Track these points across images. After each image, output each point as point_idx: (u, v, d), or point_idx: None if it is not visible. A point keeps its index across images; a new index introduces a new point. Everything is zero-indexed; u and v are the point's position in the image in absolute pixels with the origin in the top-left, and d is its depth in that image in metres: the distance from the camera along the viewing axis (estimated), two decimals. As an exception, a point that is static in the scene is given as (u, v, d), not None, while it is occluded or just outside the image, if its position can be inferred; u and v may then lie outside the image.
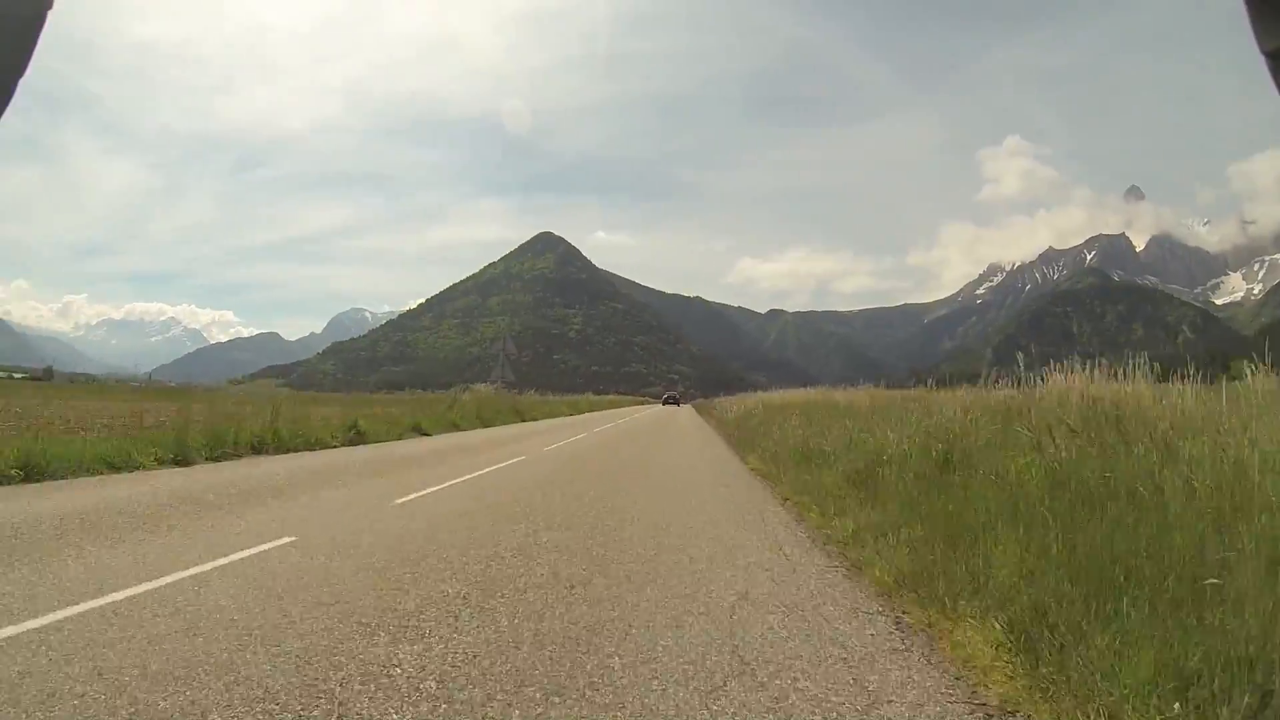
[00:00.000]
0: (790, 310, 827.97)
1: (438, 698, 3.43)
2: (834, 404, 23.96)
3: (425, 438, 22.97)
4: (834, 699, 3.55)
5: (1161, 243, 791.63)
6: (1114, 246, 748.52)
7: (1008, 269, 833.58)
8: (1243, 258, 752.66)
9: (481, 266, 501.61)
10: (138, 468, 12.10)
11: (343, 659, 3.86)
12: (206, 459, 13.65)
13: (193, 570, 5.56)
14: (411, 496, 9.60)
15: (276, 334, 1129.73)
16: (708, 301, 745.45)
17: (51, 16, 1.02)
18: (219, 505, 8.63)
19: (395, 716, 3.23)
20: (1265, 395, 6.76)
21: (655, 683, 3.69)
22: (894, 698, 3.61)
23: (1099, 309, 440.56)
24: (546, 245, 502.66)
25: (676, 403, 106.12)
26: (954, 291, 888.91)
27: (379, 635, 4.24)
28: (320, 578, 5.51)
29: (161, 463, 12.69)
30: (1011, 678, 3.79)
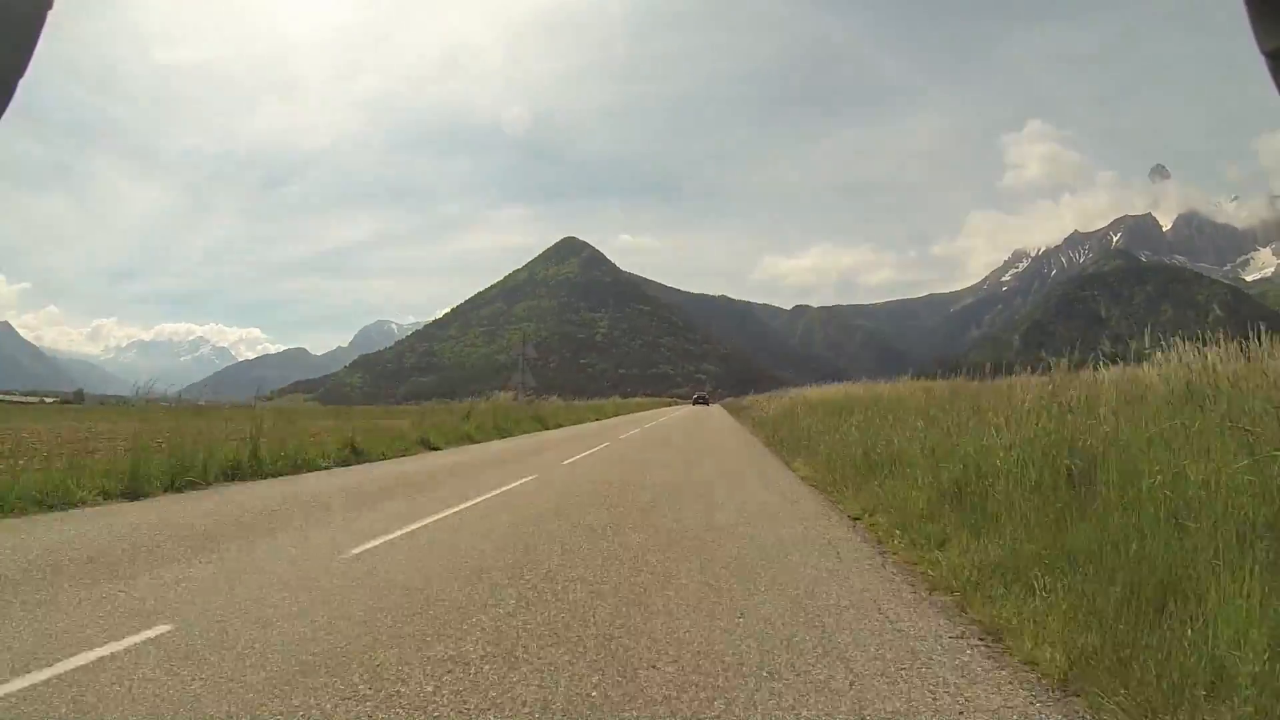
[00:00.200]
0: (815, 305, 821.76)
1: None
2: (881, 399, 21.63)
3: (433, 453, 20.83)
4: None
5: (1189, 221, 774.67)
6: (1140, 227, 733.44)
7: (1033, 255, 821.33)
8: (1273, 233, 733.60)
9: (506, 274, 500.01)
10: (77, 504, 10.00)
11: None
12: (167, 489, 11.57)
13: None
14: (370, 545, 7.34)
15: (304, 349, 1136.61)
16: (733, 300, 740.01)
17: (51, 17, 1.02)
18: (112, 566, 6.43)
19: None
20: None
21: None
22: None
23: (1127, 291, 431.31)
24: (570, 250, 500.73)
25: (706, 402, 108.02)
26: (979, 280, 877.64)
27: None
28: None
29: (109, 496, 10.58)
30: None
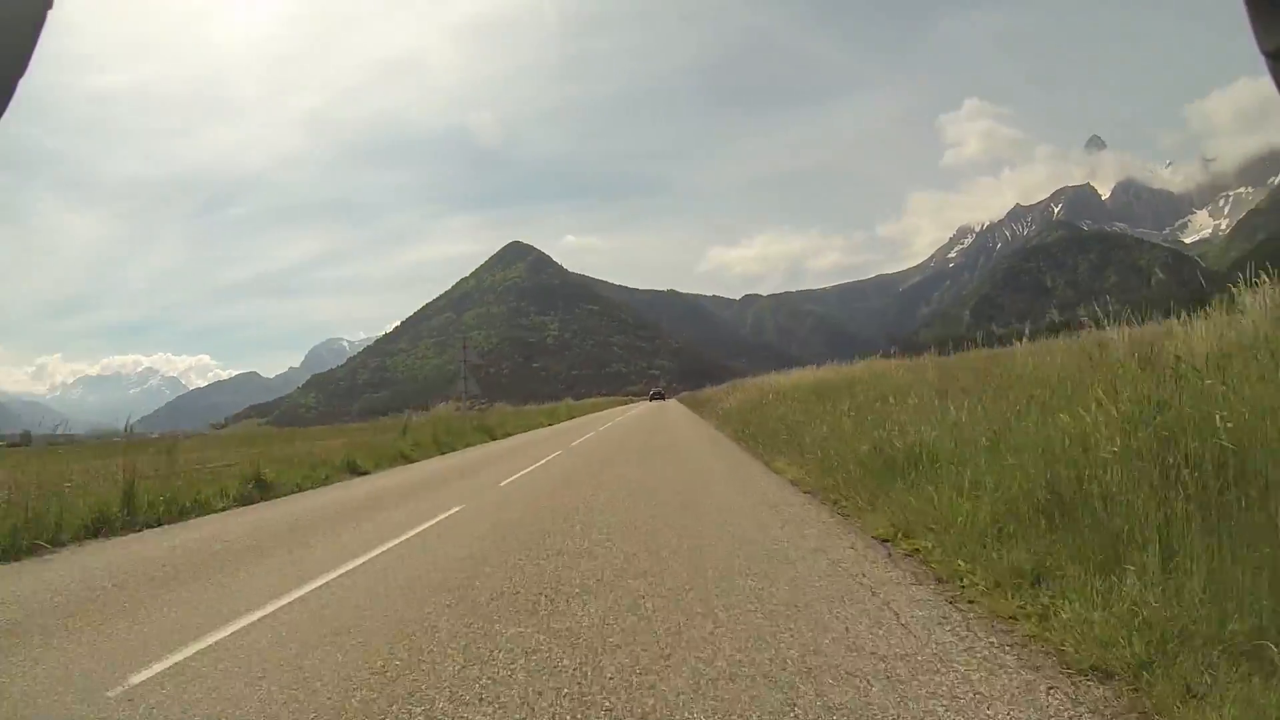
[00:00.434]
0: (765, 294, 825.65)
1: None
2: (857, 380, 19.34)
3: (359, 479, 18.01)
4: None
5: (1127, 189, 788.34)
6: (1080, 197, 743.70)
7: (977, 230, 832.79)
8: (1207, 195, 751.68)
9: (454, 283, 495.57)
10: None
11: None
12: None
13: None
14: (153, 671, 4.59)
15: (256, 373, 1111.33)
16: (681, 294, 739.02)
17: (51, 16, 1.01)
18: None
19: None
20: None
21: None
22: None
23: (1071, 260, 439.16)
24: (516, 255, 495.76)
25: (663, 398, 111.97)
26: (926, 258, 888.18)
27: None
28: None
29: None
30: None
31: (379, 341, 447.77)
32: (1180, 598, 3.82)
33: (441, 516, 10.10)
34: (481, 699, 3.83)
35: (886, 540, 6.70)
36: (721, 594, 5.46)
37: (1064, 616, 4.08)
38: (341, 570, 7.14)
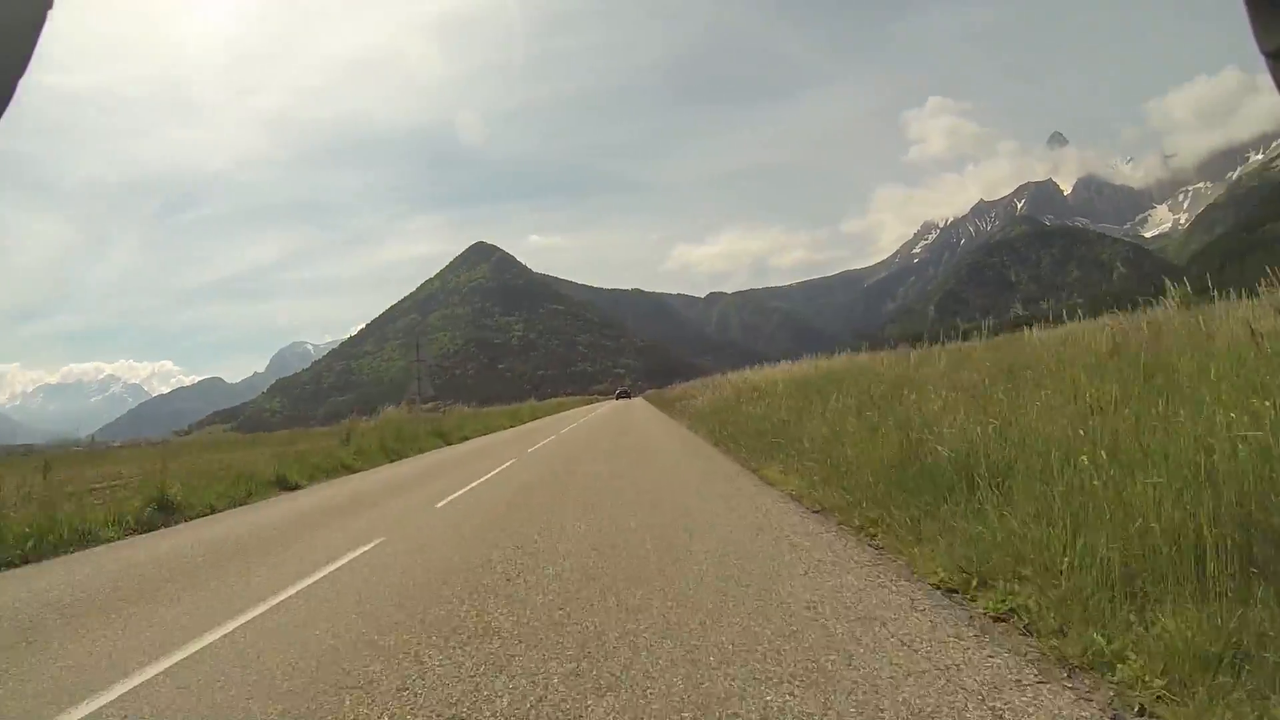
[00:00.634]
0: (730, 291, 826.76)
1: None
2: (844, 375, 17.53)
3: (287, 494, 15.77)
4: None
5: (1088, 184, 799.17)
6: (1043, 192, 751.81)
7: (941, 226, 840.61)
8: (1167, 190, 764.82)
9: (419, 284, 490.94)
10: None
11: None
12: None
13: None
14: None
15: (219, 378, 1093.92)
16: (646, 292, 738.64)
17: (51, 15, 0.99)
18: None
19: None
20: None
21: None
22: None
23: (1034, 255, 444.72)
24: (481, 255, 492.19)
25: (629, 396, 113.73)
26: (891, 254, 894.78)
27: None
28: None
29: None
30: None
31: (344, 344, 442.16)
32: None
33: (352, 556, 7.89)
34: None
35: (954, 590, 4.74)
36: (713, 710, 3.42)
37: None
38: (221, 633, 5.05)
